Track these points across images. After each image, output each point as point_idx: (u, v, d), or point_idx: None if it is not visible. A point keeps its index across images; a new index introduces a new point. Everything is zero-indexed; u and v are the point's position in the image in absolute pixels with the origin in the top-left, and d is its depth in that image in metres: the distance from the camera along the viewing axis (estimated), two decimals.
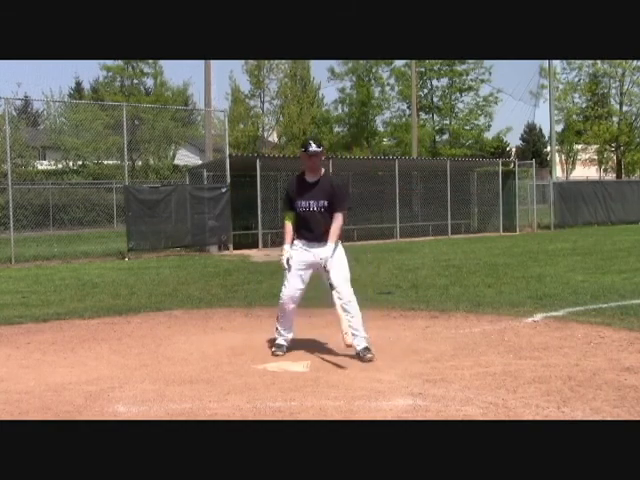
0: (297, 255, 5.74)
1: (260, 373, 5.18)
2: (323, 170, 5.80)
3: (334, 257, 5.63)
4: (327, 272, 5.60)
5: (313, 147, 5.61)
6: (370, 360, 5.44)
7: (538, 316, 7.18)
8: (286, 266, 5.72)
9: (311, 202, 5.66)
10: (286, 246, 5.75)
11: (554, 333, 6.37)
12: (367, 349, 5.54)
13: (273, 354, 5.76)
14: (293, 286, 5.75)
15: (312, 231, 5.69)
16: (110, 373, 5.25)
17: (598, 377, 4.81)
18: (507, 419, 3.97)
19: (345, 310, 5.53)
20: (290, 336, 5.90)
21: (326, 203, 5.65)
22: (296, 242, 5.78)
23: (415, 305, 8.08)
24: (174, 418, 4.10)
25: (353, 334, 5.47)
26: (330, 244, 5.60)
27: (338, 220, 5.64)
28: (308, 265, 5.73)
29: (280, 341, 5.85)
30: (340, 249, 5.73)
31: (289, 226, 5.80)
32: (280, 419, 4.05)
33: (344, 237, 5.97)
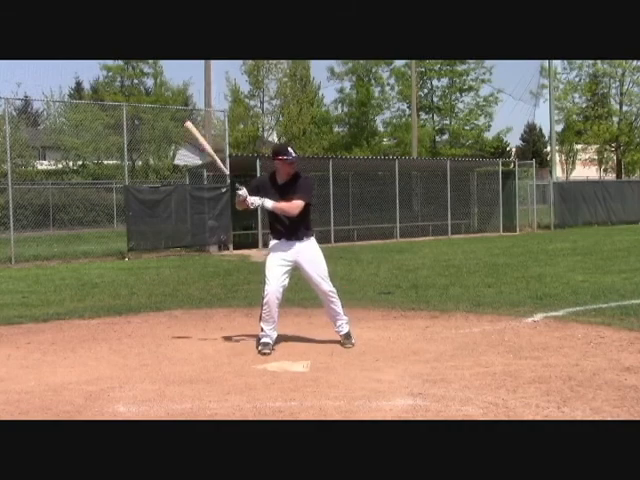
0: (280, 252, 5.91)
1: (260, 373, 5.18)
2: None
3: (310, 254, 5.94)
4: (306, 269, 5.95)
5: (293, 155, 5.84)
6: (349, 348, 5.91)
7: (538, 316, 7.18)
8: (256, 202, 5.79)
9: (282, 201, 5.88)
10: (238, 191, 5.83)
11: (554, 333, 6.37)
12: (348, 336, 6.01)
13: (260, 352, 5.79)
14: (278, 282, 5.86)
15: (287, 227, 5.92)
16: (110, 373, 5.26)
17: (598, 377, 4.81)
18: (507, 419, 3.96)
19: (326, 302, 6.04)
20: (275, 335, 5.95)
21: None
22: (274, 241, 5.99)
23: (415, 305, 8.08)
24: (174, 418, 4.10)
25: (337, 322, 6.05)
26: (270, 206, 5.78)
27: (293, 202, 5.81)
28: (290, 261, 5.92)
29: (266, 340, 5.88)
30: (315, 246, 6.03)
31: None
32: (280, 419, 4.05)
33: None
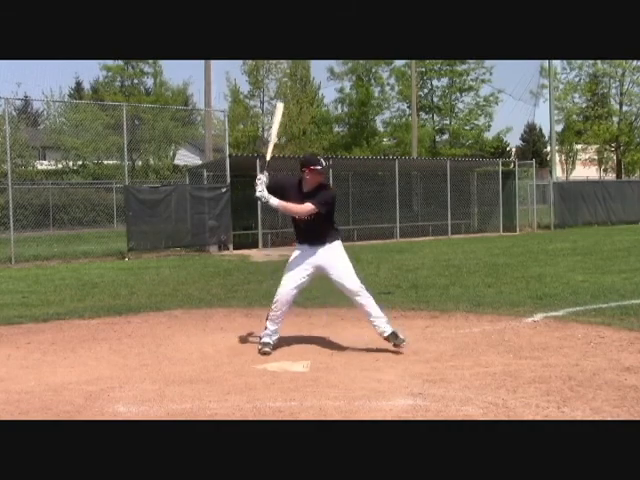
0: (301, 256, 5.88)
1: (260, 373, 5.18)
2: None
3: (334, 256, 5.84)
4: (329, 272, 5.82)
5: (324, 165, 5.83)
6: (403, 347, 5.70)
7: (538, 316, 7.18)
8: (265, 197, 5.66)
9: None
10: (261, 175, 5.73)
11: (554, 333, 6.37)
12: (395, 335, 5.74)
13: (260, 351, 5.79)
14: (292, 285, 5.85)
15: (311, 233, 5.85)
16: (110, 373, 5.26)
17: (598, 377, 4.81)
18: (507, 419, 3.97)
19: (356, 302, 5.81)
20: (277, 336, 5.95)
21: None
22: (299, 245, 5.94)
23: (415, 305, 8.08)
24: (174, 418, 4.10)
25: (374, 323, 5.78)
26: (275, 204, 5.68)
27: (303, 206, 5.71)
28: (313, 267, 5.86)
29: (267, 339, 5.87)
30: (340, 247, 5.92)
31: None
32: (280, 419, 4.05)
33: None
